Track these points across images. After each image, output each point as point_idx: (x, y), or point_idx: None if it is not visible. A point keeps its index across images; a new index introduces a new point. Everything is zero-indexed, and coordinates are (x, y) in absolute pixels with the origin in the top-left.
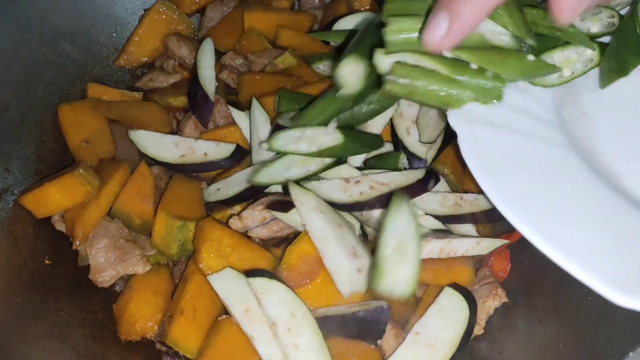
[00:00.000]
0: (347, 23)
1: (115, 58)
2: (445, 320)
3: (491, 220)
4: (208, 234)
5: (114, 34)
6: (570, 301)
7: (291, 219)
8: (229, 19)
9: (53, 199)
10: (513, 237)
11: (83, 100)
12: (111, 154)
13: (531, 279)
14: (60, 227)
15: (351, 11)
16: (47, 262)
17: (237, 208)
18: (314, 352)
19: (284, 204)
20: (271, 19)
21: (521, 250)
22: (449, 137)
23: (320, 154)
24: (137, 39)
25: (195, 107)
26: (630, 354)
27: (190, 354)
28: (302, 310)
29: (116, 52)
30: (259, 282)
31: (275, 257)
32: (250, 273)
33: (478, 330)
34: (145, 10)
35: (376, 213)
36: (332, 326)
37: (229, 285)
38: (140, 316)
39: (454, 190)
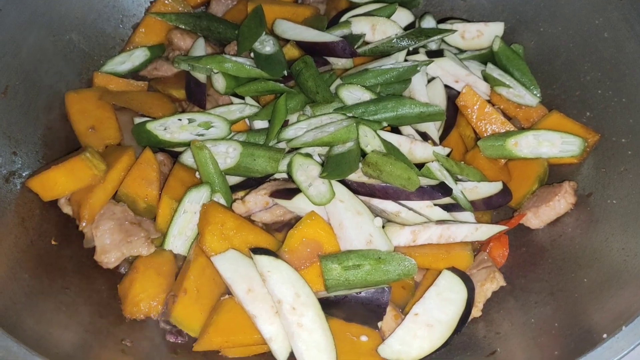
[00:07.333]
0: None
1: (121, 49)
2: (444, 301)
3: (490, 208)
4: (212, 217)
5: (120, 25)
6: (567, 284)
7: (294, 205)
8: (234, 12)
9: (60, 182)
10: (511, 224)
11: (90, 89)
12: (117, 140)
13: (528, 263)
14: (67, 210)
15: (352, 5)
16: (53, 242)
17: (240, 193)
18: (316, 331)
19: (287, 191)
20: (275, 11)
21: (519, 237)
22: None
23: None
24: (142, 30)
25: (190, 94)
26: (624, 328)
27: (193, 332)
28: (306, 290)
29: (122, 43)
30: (265, 259)
31: (277, 241)
32: (255, 250)
33: (476, 312)
34: (151, 2)
35: (389, 205)
36: (334, 307)
37: (232, 266)
38: (144, 296)
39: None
